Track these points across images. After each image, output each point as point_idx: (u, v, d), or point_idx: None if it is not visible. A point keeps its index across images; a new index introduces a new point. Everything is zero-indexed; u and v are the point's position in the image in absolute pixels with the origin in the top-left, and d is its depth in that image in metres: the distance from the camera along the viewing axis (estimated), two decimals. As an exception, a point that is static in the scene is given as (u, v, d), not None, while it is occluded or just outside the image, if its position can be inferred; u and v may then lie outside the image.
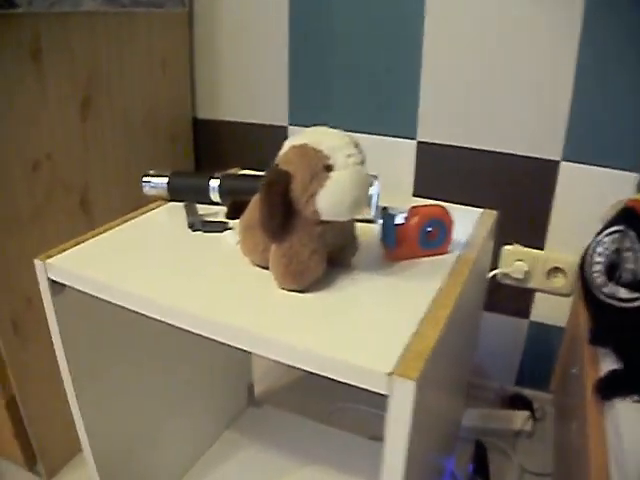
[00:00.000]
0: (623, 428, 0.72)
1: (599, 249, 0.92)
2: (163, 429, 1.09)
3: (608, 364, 0.87)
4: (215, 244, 0.82)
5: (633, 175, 1.12)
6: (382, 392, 0.53)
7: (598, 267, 0.90)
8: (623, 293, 0.86)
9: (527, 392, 1.40)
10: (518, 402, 1.37)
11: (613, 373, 0.84)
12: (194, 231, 0.86)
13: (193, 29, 1.46)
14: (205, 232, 0.86)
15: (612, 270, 0.89)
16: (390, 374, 0.52)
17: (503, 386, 1.41)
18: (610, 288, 0.87)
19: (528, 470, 1.22)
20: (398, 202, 0.97)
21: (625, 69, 1.09)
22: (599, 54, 1.10)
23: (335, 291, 0.69)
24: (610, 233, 0.92)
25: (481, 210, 0.98)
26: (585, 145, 1.17)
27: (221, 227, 0.87)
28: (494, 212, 0.98)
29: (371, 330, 0.60)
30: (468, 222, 0.92)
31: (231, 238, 0.83)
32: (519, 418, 1.31)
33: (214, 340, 0.64)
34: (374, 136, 1.34)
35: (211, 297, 0.67)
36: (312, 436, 1.28)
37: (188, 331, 0.65)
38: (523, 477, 1.22)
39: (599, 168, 1.17)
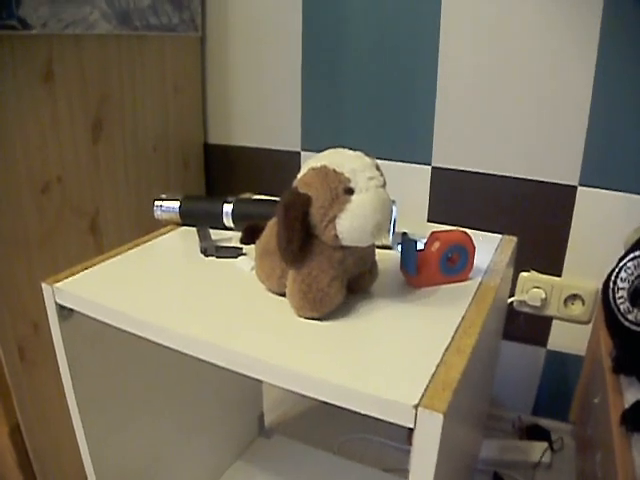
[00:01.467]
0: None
1: (623, 274, 0.89)
2: (171, 460, 1.05)
3: (633, 394, 0.85)
4: (229, 270, 0.80)
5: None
6: (408, 425, 0.50)
7: (622, 293, 0.88)
8: (648, 320, 0.83)
9: (544, 422, 1.36)
10: (535, 433, 1.33)
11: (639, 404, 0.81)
12: (207, 256, 0.85)
13: (205, 54, 1.46)
14: (218, 258, 0.84)
15: (637, 296, 0.86)
16: (416, 406, 0.49)
17: (520, 416, 1.37)
18: (635, 314, 0.85)
19: (547, 504, 1.18)
20: (413, 228, 0.95)
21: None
22: (615, 78, 1.08)
23: (355, 319, 0.66)
24: (634, 258, 0.90)
25: (500, 236, 0.96)
26: (602, 169, 1.15)
27: (235, 253, 0.85)
28: (514, 238, 0.96)
29: (394, 360, 0.57)
30: (488, 248, 0.90)
31: (245, 264, 0.81)
32: (537, 449, 1.27)
33: (228, 370, 0.61)
34: (388, 161, 1.32)
35: (225, 325, 0.64)
36: (323, 467, 1.24)
37: (199, 360, 0.63)
38: (542, 511, 1.18)
39: (617, 193, 1.15)
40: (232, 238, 0.91)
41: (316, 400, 0.55)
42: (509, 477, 1.21)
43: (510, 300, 1.25)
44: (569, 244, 1.22)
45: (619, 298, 0.88)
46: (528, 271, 1.25)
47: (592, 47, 1.08)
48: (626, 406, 0.83)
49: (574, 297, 1.23)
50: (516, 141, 1.20)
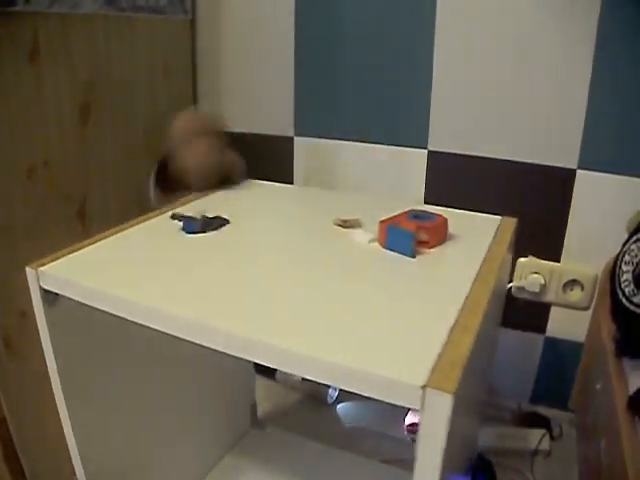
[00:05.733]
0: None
1: (627, 257, 0.87)
2: (161, 452, 1.02)
3: (638, 378, 0.83)
4: (216, 246, 0.77)
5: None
6: (414, 407, 0.47)
7: (626, 276, 0.85)
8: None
9: (543, 410, 1.34)
10: (534, 420, 1.30)
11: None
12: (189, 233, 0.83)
13: (196, 38, 1.43)
14: (205, 232, 0.82)
15: (640, 279, 0.84)
16: (424, 387, 0.47)
17: (518, 404, 1.35)
18: (639, 297, 0.83)
19: (547, 492, 1.16)
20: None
21: (640, 75, 1.06)
22: (614, 60, 1.06)
23: (352, 297, 0.64)
24: (637, 240, 0.88)
25: (500, 217, 0.94)
26: (601, 153, 1.13)
27: (219, 223, 0.84)
28: (514, 220, 0.93)
29: (397, 339, 0.55)
30: (487, 229, 0.88)
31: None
32: (536, 437, 1.25)
33: (220, 355, 0.58)
34: (383, 145, 1.30)
35: (216, 305, 0.62)
36: (319, 459, 1.21)
37: (190, 348, 0.60)
38: (543, 499, 1.16)
39: (616, 176, 1.13)
40: (206, 210, 0.89)
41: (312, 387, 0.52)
42: (507, 465, 1.19)
43: (508, 286, 1.22)
44: (568, 229, 1.20)
45: (624, 281, 0.86)
46: (526, 257, 1.22)
47: (591, 29, 1.06)
48: (631, 391, 0.81)
49: (573, 283, 1.21)
50: (515, 124, 1.18)
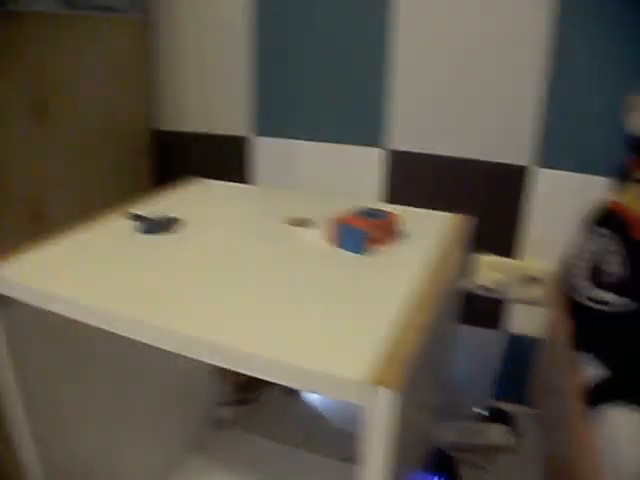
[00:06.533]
0: (613, 433, 0.69)
1: (580, 254, 0.89)
2: (121, 455, 1.01)
3: (590, 371, 0.84)
4: (168, 246, 0.77)
5: (606, 179, 1.10)
6: (357, 403, 0.47)
7: (581, 271, 0.87)
8: (607, 297, 0.83)
9: (505, 406, 1.35)
10: (498, 416, 1.32)
11: (599, 380, 0.80)
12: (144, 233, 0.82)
13: (153, 37, 1.41)
14: (159, 233, 0.82)
15: (594, 274, 0.86)
16: (366, 383, 0.47)
17: (481, 400, 1.36)
18: (594, 292, 0.84)
19: (509, 487, 1.17)
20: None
21: (598, 74, 1.07)
22: (572, 58, 1.08)
23: (301, 295, 0.64)
24: (590, 237, 0.89)
25: (449, 214, 0.94)
26: (558, 151, 1.14)
27: (171, 223, 0.84)
28: (464, 216, 0.94)
29: (342, 335, 0.55)
30: (442, 226, 0.88)
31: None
32: (497, 432, 1.26)
33: (179, 357, 0.57)
34: (342, 145, 1.30)
35: (165, 304, 0.61)
36: (282, 460, 1.20)
37: (148, 347, 0.59)
38: (505, 495, 1.17)
39: (572, 173, 1.14)
40: (161, 210, 0.89)
41: (276, 391, 0.52)
42: (469, 461, 1.20)
43: (469, 284, 1.23)
44: (528, 226, 1.21)
45: (578, 276, 0.87)
46: (487, 255, 1.24)
47: (547, 24, 1.07)
48: (586, 384, 0.82)
49: (533, 279, 1.22)
50: (472, 123, 1.19)
